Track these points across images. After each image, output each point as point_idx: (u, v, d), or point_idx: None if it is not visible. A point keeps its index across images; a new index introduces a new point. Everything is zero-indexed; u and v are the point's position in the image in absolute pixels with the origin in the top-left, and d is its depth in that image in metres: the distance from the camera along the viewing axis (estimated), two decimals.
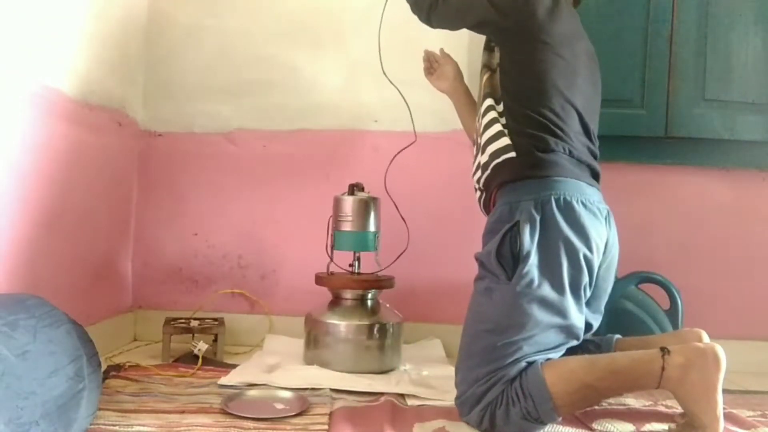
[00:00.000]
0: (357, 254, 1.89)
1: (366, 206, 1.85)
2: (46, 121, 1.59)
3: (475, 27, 1.59)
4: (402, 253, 1.89)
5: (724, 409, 1.28)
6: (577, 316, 1.37)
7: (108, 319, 1.96)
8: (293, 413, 1.39)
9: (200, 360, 1.79)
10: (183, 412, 1.38)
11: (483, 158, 1.50)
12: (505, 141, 1.45)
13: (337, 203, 1.87)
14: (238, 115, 2.20)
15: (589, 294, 1.41)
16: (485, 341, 1.33)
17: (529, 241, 1.33)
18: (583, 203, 1.38)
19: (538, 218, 1.35)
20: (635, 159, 2.11)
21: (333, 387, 1.60)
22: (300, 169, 2.19)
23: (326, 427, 1.33)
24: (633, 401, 1.56)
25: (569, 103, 1.44)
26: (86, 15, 1.78)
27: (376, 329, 1.78)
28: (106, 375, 1.58)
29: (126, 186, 2.12)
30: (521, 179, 1.40)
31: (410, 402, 1.52)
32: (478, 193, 1.57)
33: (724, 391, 1.54)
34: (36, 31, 1.53)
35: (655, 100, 2.08)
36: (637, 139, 2.09)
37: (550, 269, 1.34)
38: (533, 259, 1.33)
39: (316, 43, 2.20)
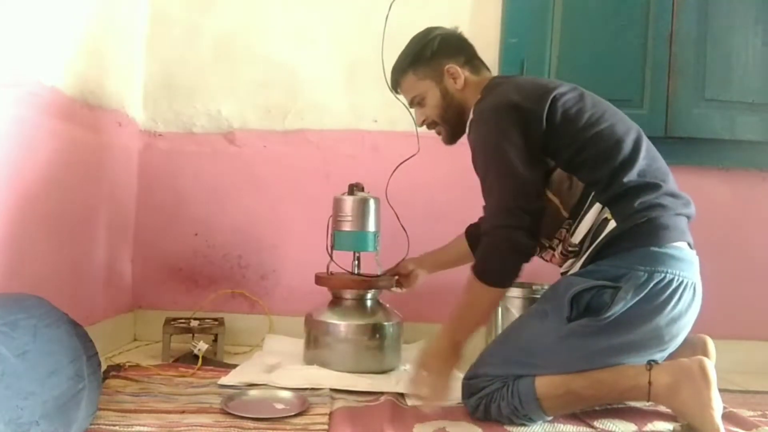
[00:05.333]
0: (357, 254, 1.89)
1: (366, 206, 1.85)
2: (46, 121, 1.59)
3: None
4: (402, 260, 1.89)
5: (724, 408, 1.28)
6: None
7: (108, 319, 1.96)
8: (293, 413, 1.39)
9: (200, 360, 1.79)
10: (183, 412, 1.38)
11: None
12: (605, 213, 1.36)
13: (337, 203, 1.86)
14: (238, 115, 2.20)
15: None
16: (511, 352, 1.38)
17: (617, 310, 1.26)
18: (695, 289, 1.34)
19: (642, 293, 1.27)
20: None
21: (333, 387, 1.60)
22: (300, 169, 2.19)
23: (326, 427, 1.33)
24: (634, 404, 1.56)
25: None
26: (86, 15, 1.78)
27: (376, 329, 1.78)
28: (106, 375, 1.58)
29: (126, 186, 2.12)
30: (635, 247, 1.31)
31: (410, 401, 1.52)
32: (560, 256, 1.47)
33: (725, 391, 1.55)
34: (36, 31, 1.53)
35: (655, 100, 2.08)
36: None
37: (616, 333, 1.29)
38: (605, 319, 1.28)
39: (316, 43, 2.20)
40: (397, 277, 1.87)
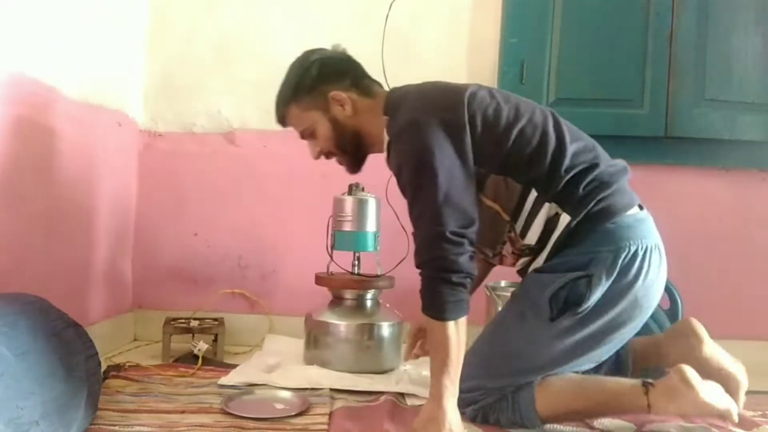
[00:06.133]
0: (357, 254, 1.89)
1: (366, 206, 1.85)
2: (46, 120, 1.59)
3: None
4: (402, 260, 1.89)
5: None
6: (605, 354, 1.37)
7: (108, 319, 1.96)
8: (293, 413, 1.39)
9: (200, 360, 1.79)
10: (183, 412, 1.38)
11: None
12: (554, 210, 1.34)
13: (337, 203, 1.86)
14: (238, 115, 2.20)
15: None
16: (502, 361, 1.35)
17: (596, 297, 1.27)
18: (659, 249, 1.33)
19: (614, 273, 1.27)
20: (635, 159, 2.07)
21: (333, 387, 1.60)
22: (300, 168, 2.19)
23: (326, 427, 1.33)
24: None
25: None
26: (86, 15, 1.78)
27: (376, 329, 1.78)
28: (106, 375, 1.58)
29: (126, 186, 2.12)
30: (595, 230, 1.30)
31: (410, 401, 1.52)
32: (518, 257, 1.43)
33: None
34: (36, 31, 1.53)
35: (655, 100, 2.08)
36: (637, 139, 2.09)
37: (599, 317, 1.30)
38: (586, 309, 1.28)
39: (316, 43, 2.19)
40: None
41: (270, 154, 2.19)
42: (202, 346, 1.83)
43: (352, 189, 1.86)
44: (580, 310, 1.27)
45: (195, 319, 1.99)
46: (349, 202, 1.84)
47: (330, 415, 1.40)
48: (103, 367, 1.53)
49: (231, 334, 2.04)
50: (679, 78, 2.07)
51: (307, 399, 1.47)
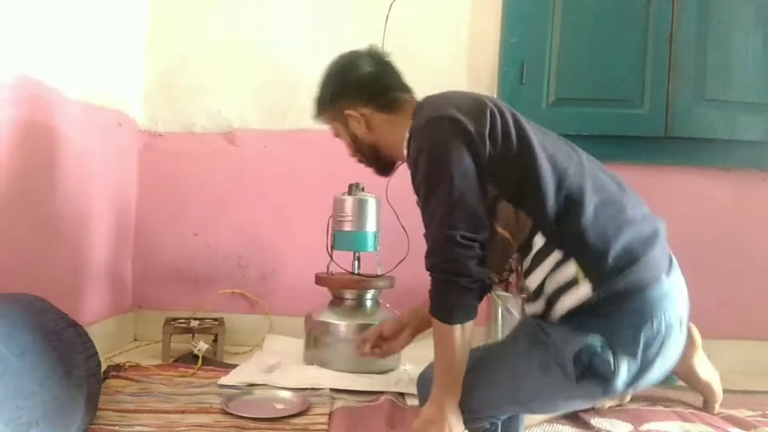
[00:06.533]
0: (357, 254, 1.89)
1: (366, 206, 1.85)
2: (47, 121, 1.59)
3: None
4: (402, 260, 1.89)
5: (719, 413, 1.29)
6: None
7: (108, 319, 1.96)
8: (293, 413, 1.39)
9: (200, 360, 1.79)
10: (183, 412, 1.38)
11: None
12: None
13: (337, 203, 1.87)
14: (238, 115, 2.20)
15: None
16: (516, 398, 1.27)
17: (623, 380, 1.16)
18: (681, 323, 1.20)
19: (639, 355, 1.16)
20: (635, 159, 2.11)
21: (333, 387, 1.60)
22: (300, 168, 2.19)
23: (326, 427, 1.33)
24: (632, 404, 1.57)
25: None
26: (87, 15, 1.78)
27: None
28: (106, 375, 1.58)
29: (126, 186, 2.12)
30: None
31: (410, 401, 1.52)
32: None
33: (725, 391, 1.55)
34: (36, 32, 1.53)
35: (655, 100, 2.08)
36: (637, 139, 2.09)
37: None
38: (613, 391, 1.20)
39: (317, 43, 2.20)
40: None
41: (270, 154, 2.19)
42: (202, 346, 1.84)
43: (352, 189, 1.86)
44: (608, 386, 1.17)
45: (195, 319, 1.99)
46: (349, 202, 1.84)
47: (330, 415, 1.41)
48: (103, 367, 1.53)
49: (231, 334, 2.04)
50: (679, 78, 2.07)
51: (307, 399, 1.47)
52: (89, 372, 1.21)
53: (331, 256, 1.88)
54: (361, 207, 1.84)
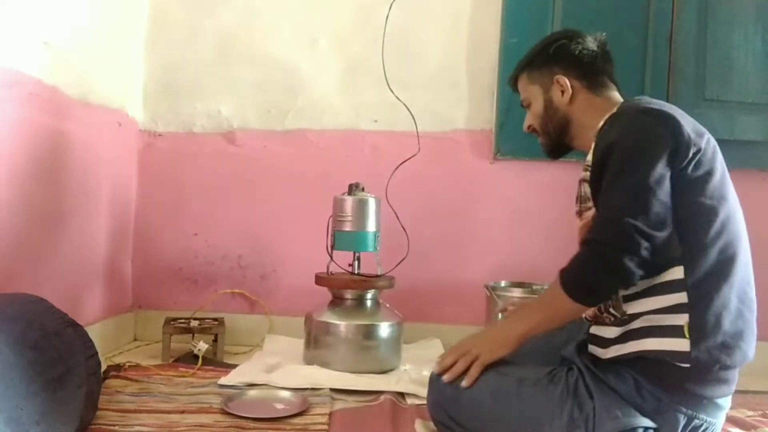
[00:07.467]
0: (357, 254, 1.89)
1: (366, 206, 1.85)
2: (47, 120, 1.59)
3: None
4: (402, 260, 1.89)
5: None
6: None
7: (108, 319, 1.96)
8: (293, 413, 1.39)
9: (200, 360, 1.79)
10: (183, 412, 1.38)
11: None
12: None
13: (337, 203, 1.87)
14: (238, 115, 2.20)
15: None
16: None
17: None
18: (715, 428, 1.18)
19: None
20: None
21: (333, 387, 1.60)
22: (300, 168, 2.19)
23: (326, 427, 1.33)
24: None
25: None
26: (86, 15, 1.78)
27: (376, 329, 1.78)
28: (106, 375, 1.58)
29: (126, 186, 2.12)
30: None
31: (410, 401, 1.52)
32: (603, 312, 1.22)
33: None
34: (36, 31, 1.53)
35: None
36: None
37: None
38: None
39: (316, 42, 2.20)
40: None
41: (270, 154, 2.19)
42: (202, 346, 1.84)
43: (352, 189, 1.86)
44: None
45: (195, 319, 1.99)
46: (349, 202, 1.84)
47: (330, 415, 1.41)
48: (103, 367, 1.53)
49: (231, 334, 2.04)
50: (679, 78, 2.07)
51: (307, 399, 1.47)
52: (89, 372, 1.21)
53: (331, 256, 1.88)
54: (361, 207, 1.84)
